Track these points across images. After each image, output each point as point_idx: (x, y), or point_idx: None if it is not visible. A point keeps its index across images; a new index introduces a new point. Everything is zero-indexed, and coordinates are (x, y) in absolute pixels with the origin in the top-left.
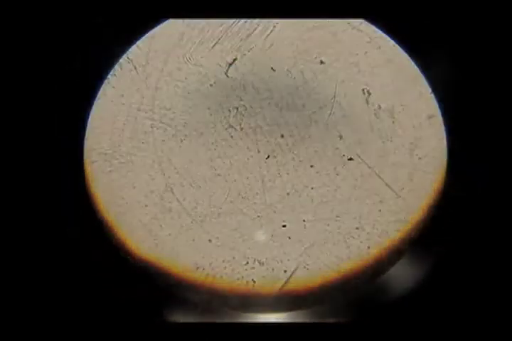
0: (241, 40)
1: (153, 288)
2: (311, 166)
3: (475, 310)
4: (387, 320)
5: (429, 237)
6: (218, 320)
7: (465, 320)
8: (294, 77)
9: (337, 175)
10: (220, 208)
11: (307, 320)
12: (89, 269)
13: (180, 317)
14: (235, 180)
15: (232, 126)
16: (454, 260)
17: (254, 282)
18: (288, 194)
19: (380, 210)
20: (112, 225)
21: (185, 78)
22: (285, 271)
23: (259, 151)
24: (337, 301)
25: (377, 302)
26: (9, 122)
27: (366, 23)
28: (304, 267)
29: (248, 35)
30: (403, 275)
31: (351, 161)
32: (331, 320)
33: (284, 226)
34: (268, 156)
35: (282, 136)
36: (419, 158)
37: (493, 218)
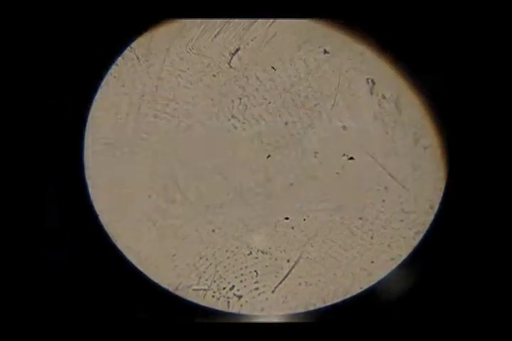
0: (243, 29)
1: (153, 287)
2: (315, 157)
3: (474, 310)
4: (387, 320)
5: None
6: (218, 320)
7: (466, 319)
8: (298, 67)
9: (340, 165)
10: (224, 198)
11: (307, 320)
12: (88, 262)
13: (181, 318)
14: (238, 171)
15: (235, 117)
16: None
17: (257, 272)
18: (291, 184)
19: (383, 200)
20: (115, 216)
21: (188, 68)
22: (288, 261)
23: (262, 142)
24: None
25: (378, 303)
26: (12, 113)
27: None
28: (307, 257)
29: (251, 24)
30: (403, 275)
31: (355, 151)
32: (331, 320)
33: (286, 218)
34: (271, 147)
35: (286, 126)
36: (424, 148)
37: (494, 213)
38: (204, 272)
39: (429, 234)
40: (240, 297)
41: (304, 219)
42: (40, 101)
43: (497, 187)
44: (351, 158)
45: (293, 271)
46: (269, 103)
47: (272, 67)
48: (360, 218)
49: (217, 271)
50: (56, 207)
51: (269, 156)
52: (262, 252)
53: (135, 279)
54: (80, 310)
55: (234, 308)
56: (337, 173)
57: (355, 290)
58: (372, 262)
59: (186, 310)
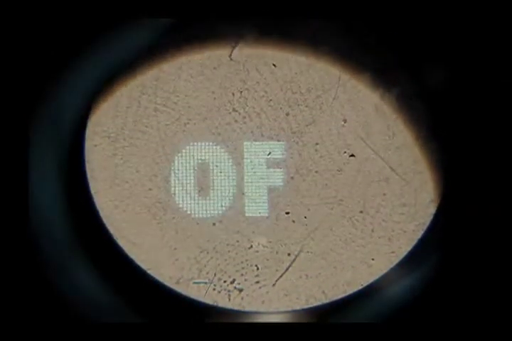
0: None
1: (154, 287)
2: (315, 150)
3: (477, 302)
4: (388, 320)
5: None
6: (219, 320)
7: (468, 312)
8: (299, 60)
9: (341, 158)
10: (224, 192)
11: (307, 320)
12: (87, 256)
13: (182, 318)
14: (239, 164)
15: (236, 110)
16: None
17: (258, 266)
18: (292, 178)
19: (384, 194)
20: (115, 209)
21: (189, 61)
22: (289, 255)
23: (262, 135)
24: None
25: (378, 303)
26: (12, 106)
27: None
28: (308, 251)
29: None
30: (403, 276)
31: (355, 144)
32: (332, 320)
33: (287, 213)
34: (272, 140)
35: (287, 119)
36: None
37: (494, 207)
38: (205, 266)
39: (431, 227)
40: (240, 290)
41: (305, 217)
42: (39, 92)
43: (497, 180)
44: (352, 156)
45: (294, 264)
46: (271, 96)
47: (273, 64)
48: (361, 211)
49: (218, 265)
50: (56, 201)
51: (269, 153)
52: (263, 246)
53: (135, 274)
54: (81, 306)
55: (235, 301)
56: (338, 170)
57: (356, 283)
58: (372, 255)
59: (186, 307)
